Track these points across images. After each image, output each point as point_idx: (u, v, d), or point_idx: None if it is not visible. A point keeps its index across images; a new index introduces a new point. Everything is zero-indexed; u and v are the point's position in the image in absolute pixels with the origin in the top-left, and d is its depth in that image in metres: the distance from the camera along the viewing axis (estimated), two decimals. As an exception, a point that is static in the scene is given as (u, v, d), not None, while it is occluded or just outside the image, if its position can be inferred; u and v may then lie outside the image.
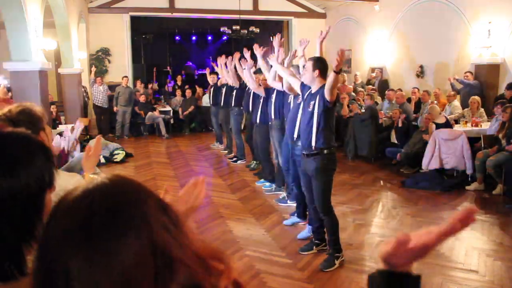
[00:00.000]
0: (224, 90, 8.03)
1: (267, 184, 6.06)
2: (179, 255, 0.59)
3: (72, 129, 5.48)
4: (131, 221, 0.58)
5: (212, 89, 8.72)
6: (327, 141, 3.56)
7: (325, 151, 3.55)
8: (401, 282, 0.75)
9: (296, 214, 4.68)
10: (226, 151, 8.55)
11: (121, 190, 0.61)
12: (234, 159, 7.85)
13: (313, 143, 3.54)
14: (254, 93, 6.29)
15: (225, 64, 7.80)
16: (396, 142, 7.36)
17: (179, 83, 12.75)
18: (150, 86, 11.79)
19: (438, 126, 6.37)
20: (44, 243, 0.59)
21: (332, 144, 3.63)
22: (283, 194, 5.42)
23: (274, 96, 5.18)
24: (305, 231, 4.26)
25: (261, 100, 5.94)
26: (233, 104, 7.57)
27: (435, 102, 7.74)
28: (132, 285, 0.55)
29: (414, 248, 0.73)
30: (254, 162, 7.09)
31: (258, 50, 5.02)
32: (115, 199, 0.60)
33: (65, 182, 1.53)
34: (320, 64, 3.60)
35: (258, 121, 6.05)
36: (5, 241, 0.78)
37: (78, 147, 5.11)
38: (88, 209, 0.58)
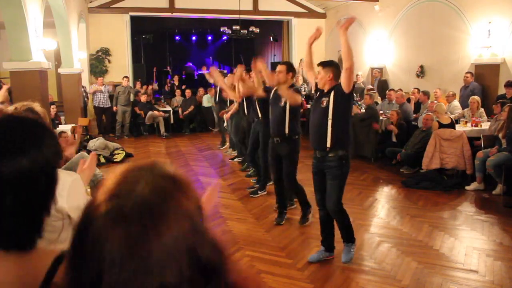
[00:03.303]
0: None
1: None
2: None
3: (73, 130, 5.51)
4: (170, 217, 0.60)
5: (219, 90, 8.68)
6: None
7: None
8: None
9: (323, 248, 3.83)
10: (225, 147, 8.68)
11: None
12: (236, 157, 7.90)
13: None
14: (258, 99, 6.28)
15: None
16: (395, 141, 7.37)
17: (176, 83, 12.75)
18: (149, 87, 11.71)
19: (443, 126, 6.36)
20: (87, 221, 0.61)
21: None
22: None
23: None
24: (318, 253, 3.83)
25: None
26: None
27: (435, 102, 7.74)
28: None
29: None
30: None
31: (262, 65, 5.08)
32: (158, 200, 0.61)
33: (62, 181, 1.57)
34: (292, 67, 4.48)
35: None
36: (33, 210, 0.83)
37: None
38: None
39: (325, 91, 3.60)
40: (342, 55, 3.39)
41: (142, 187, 0.61)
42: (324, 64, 3.63)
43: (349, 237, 3.75)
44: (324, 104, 3.55)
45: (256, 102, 5.54)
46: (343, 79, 3.45)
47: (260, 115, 5.50)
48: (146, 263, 0.57)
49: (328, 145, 3.54)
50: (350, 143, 3.69)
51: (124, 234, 0.57)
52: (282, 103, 4.39)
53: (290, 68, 4.48)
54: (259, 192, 5.79)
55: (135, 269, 0.56)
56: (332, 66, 3.59)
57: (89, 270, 0.58)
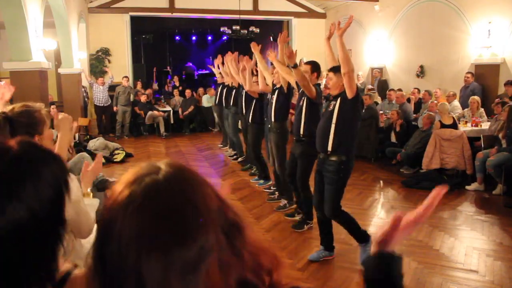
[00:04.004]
0: (225, 90, 8.03)
1: (262, 181, 6.17)
2: (234, 262, 0.62)
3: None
4: (190, 230, 0.59)
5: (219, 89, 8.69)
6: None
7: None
8: (391, 261, 0.83)
9: (322, 247, 3.87)
10: (226, 147, 8.71)
11: (182, 197, 0.62)
12: (234, 156, 7.90)
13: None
14: (246, 93, 6.27)
15: (222, 63, 7.81)
16: (395, 142, 7.37)
17: (177, 84, 12.78)
18: (149, 89, 11.70)
19: (445, 127, 6.35)
20: (113, 241, 0.60)
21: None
22: (283, 201, 5.23)
23: (275, 97, 5.10)
24: (318, 252, 3.86)
25: (254, 101, 6.00)
26: (231, 103, 7.57)
27: (435, 102, 7.74)
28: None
29: (403, 228, 0.82)
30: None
31: (256, 48, 5.02)
32: (174, 206, 0.60)
33: None
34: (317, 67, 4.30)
35: (250, 121, 6.11)
36: (48, 244, 0.79)
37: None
38: (153, 213, 0.59)
39: (335, 95, 3.59)
40: (340, 60, 3.36)
41: (160, 167, 0.64)
42: (335, 70, 3.59)
43: (361, 238, 3.66)
44: (331, 107, 3.57)
45: (273, 101, 5.08)
46: (345, 85, 3.40)
47: (273, 118, 5.01)
48: (185, 228, 0.58)
49: (329, 148, 3.52)
50: (353, 149, 3.61)
51: (156, 207, 0.59)
52: (301, 101, 4.27)
53: (315, 67, 4.30)
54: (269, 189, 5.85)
55: (175, 236, 0.58)
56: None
57: (124, 262, 0.57)
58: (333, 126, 3.50)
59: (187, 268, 0.57)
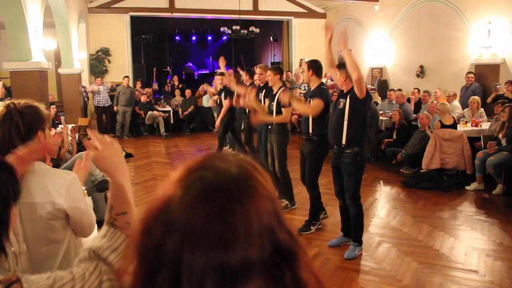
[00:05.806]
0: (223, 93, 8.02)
1: None
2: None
3: (73, 129, 5.53)
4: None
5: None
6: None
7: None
8: None
9: (342, 233, 4.16)
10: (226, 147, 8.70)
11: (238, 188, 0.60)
12: None
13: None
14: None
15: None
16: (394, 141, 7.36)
17: (176, 83, 12.76)
18: (148, 89, 11.66)
19: (445, 127, 6.34)
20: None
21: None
22: (285, 202, 5.17)
23: (275, 99, 5.05)
24: (338, 238, 4.14)
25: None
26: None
27: (435, 102, 7.73)
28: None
29: None
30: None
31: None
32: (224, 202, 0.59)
33: (61, 180, 1.61)
34: (313, 65, 4.28)
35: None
36: None
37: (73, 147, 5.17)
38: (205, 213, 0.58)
39: (344, 91, 3.79)
40: (348, 69, 3.58)
41: (226, 165, 0.62)
42: (339, 66, 3.81)
43: (356, 236, 3.87)
44: (341, 105, 3.75)
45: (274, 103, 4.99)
46: (355, 89, 3.61)
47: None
48: (230, 236, 0.56)
49: (343, 142, 3.74)
50: (366, 140, 3.82)
51: (207, 208, 0.57)
52: (309, 101, 4.36)
53: (310, 65, 4.33)
54: None
55: (218, 242, 0.55)
56: (346, 68, 3.70)
57: (166, 256, 0.56)
58: (345, 122, 3.72)
59: (227, 275, 0.55)
